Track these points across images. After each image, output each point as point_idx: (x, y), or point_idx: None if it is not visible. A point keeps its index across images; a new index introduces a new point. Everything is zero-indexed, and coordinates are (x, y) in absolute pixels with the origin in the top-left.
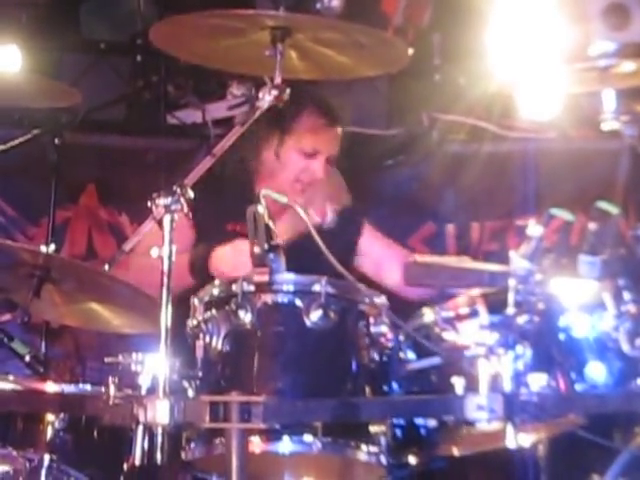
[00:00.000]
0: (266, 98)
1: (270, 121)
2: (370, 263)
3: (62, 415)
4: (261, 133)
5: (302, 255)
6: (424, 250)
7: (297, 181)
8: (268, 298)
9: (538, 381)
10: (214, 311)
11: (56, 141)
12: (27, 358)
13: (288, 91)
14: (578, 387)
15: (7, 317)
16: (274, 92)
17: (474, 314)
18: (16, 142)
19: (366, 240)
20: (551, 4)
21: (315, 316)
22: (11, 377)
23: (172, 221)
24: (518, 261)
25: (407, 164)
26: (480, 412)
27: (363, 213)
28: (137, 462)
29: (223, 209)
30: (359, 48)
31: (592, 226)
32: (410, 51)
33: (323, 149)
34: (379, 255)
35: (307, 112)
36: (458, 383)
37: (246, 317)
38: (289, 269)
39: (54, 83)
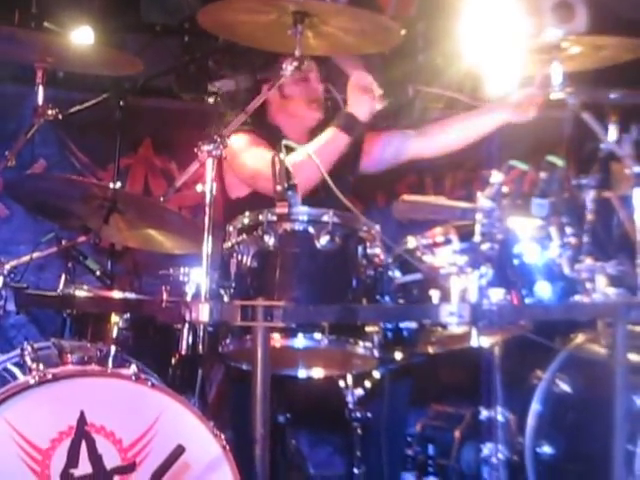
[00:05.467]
0: (288, 68)
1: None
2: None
3: (125, 316)
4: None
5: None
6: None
7: (311, 103)
8: (287, 226)
9: (497, 295)
10: (244, 236)
11: (121, 103)
12: (97, 273)
13: (306, 62)
14: (528, 300)
15: (83, 239)
16: (295, 63)
17: (448, 241)
18: (89, 104)
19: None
20: (512, 1)
21: (324, 240)
22: (85, 287)
23: (213, 163)
24: (483, 201)
25: (396, 128)
26: (451, 317)
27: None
28: (183, 352)
29: None
30: (361, 32)
31: (542, 175)
32: (403, 32)
33: (308, 74)
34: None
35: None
36: (435, 295)
37: (270, 241)
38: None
39: (121, 54)
